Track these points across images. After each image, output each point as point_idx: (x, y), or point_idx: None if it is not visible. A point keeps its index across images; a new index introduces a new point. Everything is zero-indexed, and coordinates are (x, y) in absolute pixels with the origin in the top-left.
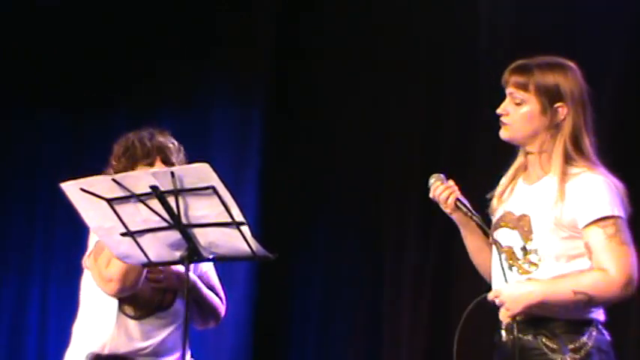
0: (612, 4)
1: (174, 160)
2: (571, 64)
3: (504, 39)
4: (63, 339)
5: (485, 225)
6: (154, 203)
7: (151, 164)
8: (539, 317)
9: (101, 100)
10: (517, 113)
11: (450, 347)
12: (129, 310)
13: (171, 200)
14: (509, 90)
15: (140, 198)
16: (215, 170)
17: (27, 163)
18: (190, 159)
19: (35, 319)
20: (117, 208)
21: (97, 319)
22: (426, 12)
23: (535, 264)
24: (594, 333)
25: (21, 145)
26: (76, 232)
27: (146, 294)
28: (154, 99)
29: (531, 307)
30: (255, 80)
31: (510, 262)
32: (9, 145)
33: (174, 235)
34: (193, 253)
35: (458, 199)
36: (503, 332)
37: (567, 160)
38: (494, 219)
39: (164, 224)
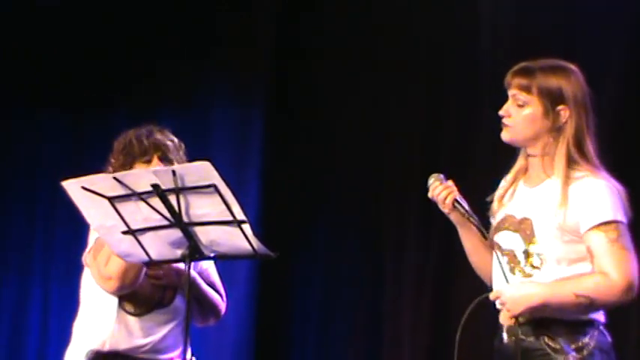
0: (612, 4)
1: (172, 157)
2: (574, 67)
3: (504, 39)
4: (64, 339)
5: (483, 225)
6: (156, 201)
7: (149, 162)
8: (541, 319)
9: (101, 100)
10: (519, 115)
11: (450, 345)
12: (129, 307)
13: (172, 198)
14: (511, 92)
15: (141, 196)
16: (216, 168)
17: (27, 163)
18: (190, 159)
19: (36, 320)
20: (118, 206)
21: (97, 316)
22: (426, 12)
23: (537, 267)
24: (596, 333)
25: (21, 145)
26: (77, 231)
27: (146, 291)
28: (154, 99)
29: (532, 309)
30: (255, 80)
31: (511, 265)
32: (9, 145)
33: (176, 234)
34: (194, 252)
35: (456, 200)
36: (504, 335)
37: (570, 163)
38: (494, 222)
39: (165, 222)
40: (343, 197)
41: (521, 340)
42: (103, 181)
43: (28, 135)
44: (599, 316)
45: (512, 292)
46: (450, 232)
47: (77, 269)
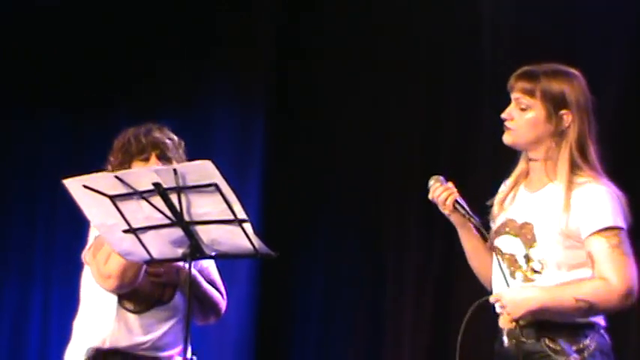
0: (612, 4)
1: (171, 155)
2: (576, 72)
3: (504, 39)
4: (64, 339)
5: (483, 226)
6: (157, 200)
7: (146, 160)
8: (541, 321)
9: (101, 100)
10: (522, 119)
11: (451, 346)
12: (129, 304)
13: (173, 197)
14: (515, 95)
15: (143, 195)
16: (218, 167)
17: (27, 163)
18: (191, 159)
19: (37, 320)
20: (119, 205)
21: (97, 313)
22: (426, 12)
23: (538, 272)
24: (596, 336)
25: (21, 145)
26: (77, 232)
27: (146, 288)
28: (154, 99)
29: (532, 313)
30: (255, 80)
31: (512, 269)
32: (9, 145)
33: (177, 233)
34: (196, 251)
35: (456, 201)
36: (505, 338)
37: (573, 168)
38: (494, 226)
39: (166, 221)
40: (343, 197)
41: (522, 343)
42: (105, 180)
43: (28, 135)
44: (600, 319)
45: (512, 295)
46: (450, 232)
47: (78, 270)
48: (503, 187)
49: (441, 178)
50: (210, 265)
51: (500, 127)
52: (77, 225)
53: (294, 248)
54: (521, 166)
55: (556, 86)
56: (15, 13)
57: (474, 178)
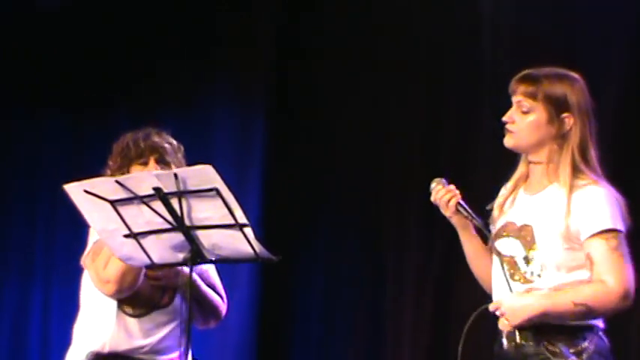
0: (612, 4)
1: (169, 159)
2: (577, 76)
3: (504, 39)
4: (65, 341)
5: (486, 228)
6: (157, 205)
7: (145, 164)
8: (540, 324)
9: (101, 100)
10: (523, 121)
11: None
12: (128, 308)
13: (174, 202)
14: (516, 98)
15: (143, 200)
16: (218, 172)
17: (27, 163)
18: (191, 159)
19: (37, 321)
20: (120, 209)
21: (96, 317)
22: (426, 12)
23: (537, 274)
24: (595, 338)
25: (21, 145)
26: (77, 233)
27: (145, 292)
28: (154, 99)
29: (532, 319)
30: (255, 80)
31: (511, 271)
32: (9, 145)
33: (178, 237)
34: (196, 255)
35: (459, 203)
36: (504, 340)
37: (574, 171)
38: (494, 229)
39: (167, 226)
40: (343, 197)
41: (521, 346)
42: (105, 185)
43: (28, 135)
44: (599, 322)
45: (511, 302)
46: (450, 232)
47: (78, 270)
48: (504, 191)
49: (443, 180)
50: (209, 269)
51: (500, 127)
52: (77, 226)
53: (294, 248)
54: (520, 169)
55: (558, 89)
56: (15, 13)
57: (474, 179)
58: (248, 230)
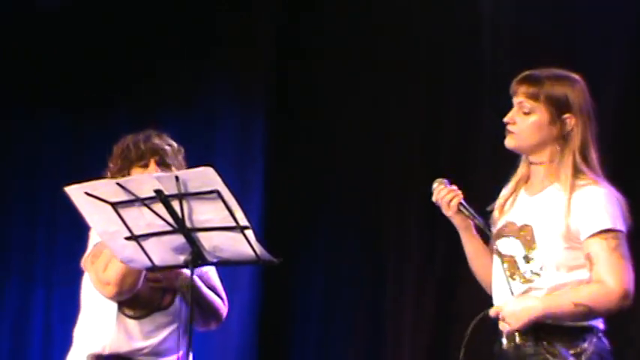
0: (612, 4)
1: (170, 162)
2: (577, 77)
3: (504, 39)
4: (66, 343)
5: (487, 228)
6: (159, 207)
7: (146, 166)
8: (540, 325)
9: (101, 100)
10: (525, 122)
11: (451, 345)
12: (128, 310)
13: (175, 204)
14: (518, 99)
15: (144, 202)
16: (219, 174)
17: (27, 163)
18: (191, 159)
19: (38, 323)
20: (121, 212)
21: (97, 319)
22: (426, 12)
23: (537, 273)
24: (594, 340)
25: (21, 145)
26: (78, 234)
27: (145, 294)
28: (154, 99)
29: (533, 322)
30: (255, 80)
31: (511, 270)
32: (9, 145)
33: (179, 239)
34: (198, 257)
35: (461, 203)
36: (504, 340)
37: (575, 172)
38: (495, 230)
39: (168, 228)
40: (343, 197)
41: (520, 346)
42: (106, 187)
43: (28, 135)
44: (598, 323)
45: (511, 307)
46: (451, 232)
47: (79, 271)
48: (504, 192)
49: (445, 180)
50: (209, 270)
51: (500, 126)
52: (78, 228)
53: (295, 248)
54: (521, 170)
55: (559, 90)
56: (15, 13)
57: (474, 179)
58: (249, 232)
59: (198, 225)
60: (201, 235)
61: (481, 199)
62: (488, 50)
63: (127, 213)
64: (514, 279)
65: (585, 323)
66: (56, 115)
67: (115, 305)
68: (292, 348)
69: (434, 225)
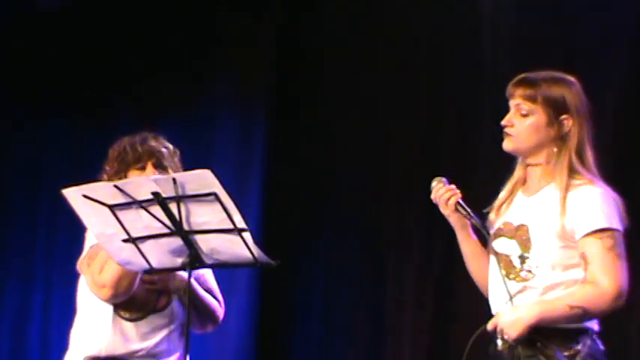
0: (612, 4)
1: (166, 164)
2: (573, 78)
3: (504, 39)
4: (65, 344)
5: (484, 228)
6: (156, 209)
7: (143, 168)
8: (535, 327)
9: (101, 100)
10: (523, 124)
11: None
12: (124, 312)
13: (172, 207)
14: (515, 101)
15: (142, 204)
16: (217, 176)
17: (27, 163)
18: (191, 159)
19: (37, 325)
20: (119, 214)
21: (93, 322)
22: (426, 12)
23: (532, 273)
24: (589, 342)
25: (21, 145)
26: (78, 236)
27: (141, 296)
28: (154, 99)
29: (530, 328)
30: (255, 80)
31: (507, 270)
32: (9, 145)
33: (176, 242)
34: (195, 260)
35: (458, 202)
36: (498, 341)
37: (571, 172)
38: (492, 231)
39: (166, 230)
40: (343, 197)
41: (515, 348)
42: (104, 189)
43: (28, 135)
44: (593, 325)
45: (507, 317)
46: (450, 232)
47: (78, 273)
48: (502, 194)
49: (444, 179)
50: (206, 273)
51: (500, 127)
52: (78, 227)
53: (295, 248)
54: (517, 173)
55: (557, 91)
56: (15, 13)
57: (474, 179)
58: (247, 235)
59: (195, 227)
60: (198, 238)
61: (481, 199)
62: (488, 50)
63: (125, 215)
64: (510, 278)
65: (580, 325)
66: (56, 115)
67: (110, 307)
68: (292, 348)
69: (434, 225)
